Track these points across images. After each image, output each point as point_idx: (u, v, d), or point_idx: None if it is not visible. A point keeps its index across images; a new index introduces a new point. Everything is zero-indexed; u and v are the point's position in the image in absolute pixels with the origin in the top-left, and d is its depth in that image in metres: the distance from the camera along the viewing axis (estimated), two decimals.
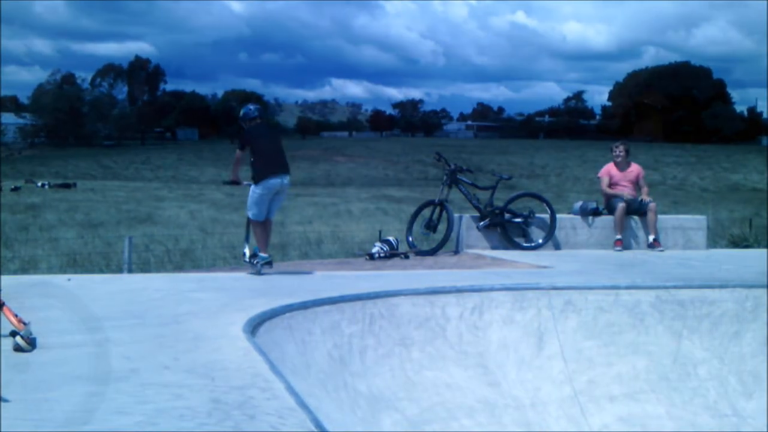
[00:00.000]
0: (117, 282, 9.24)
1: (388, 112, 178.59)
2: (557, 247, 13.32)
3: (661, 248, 13.39)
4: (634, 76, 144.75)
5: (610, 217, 13.74)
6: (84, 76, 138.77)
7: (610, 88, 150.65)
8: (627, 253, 13.00)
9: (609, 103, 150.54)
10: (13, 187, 48.11)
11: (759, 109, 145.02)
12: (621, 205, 13.35)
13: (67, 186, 54.42)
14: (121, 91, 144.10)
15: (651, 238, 13.49)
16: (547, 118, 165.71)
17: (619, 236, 13.43)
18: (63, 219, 28.10)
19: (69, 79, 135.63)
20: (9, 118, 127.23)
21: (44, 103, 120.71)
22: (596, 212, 13.73)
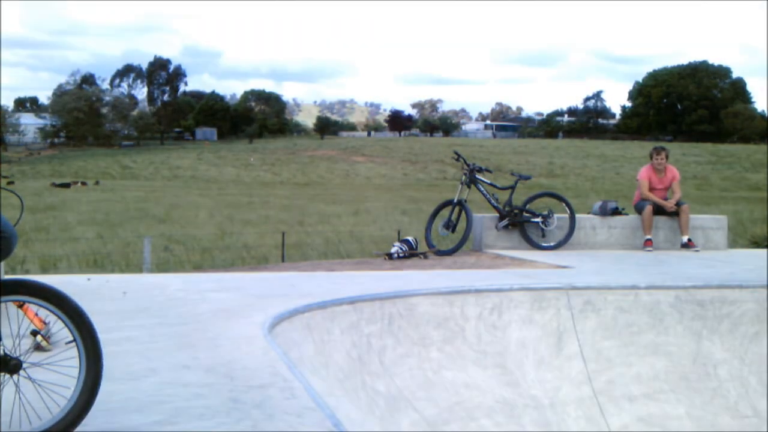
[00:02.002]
0: (136, 282, 9.26)
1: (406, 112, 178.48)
2: (576, 247, 13.25)
3: (697, 248, 13.32)
4: (654, 76, 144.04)
5: (629, 217, 13.68)
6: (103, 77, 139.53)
7: (630, 87, 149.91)
8: (650, 254, 12.91)
9: (629, 104, 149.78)
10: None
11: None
12: (648, 207, 13.28)
13: (66, 186, 54.73)
14: (141, 92, 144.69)
15: (685, 238, 13.42)
16: (566, 118, 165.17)
17: (649, 236, 13.35)
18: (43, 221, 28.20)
19: (89, 79, 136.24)
20: (29, 118, 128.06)
21: (64, 104, 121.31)
22: (617, 212, 13.67)
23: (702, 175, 76.93)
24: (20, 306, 5.87)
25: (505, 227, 13.09)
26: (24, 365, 3.87)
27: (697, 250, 13.25)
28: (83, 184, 59.34)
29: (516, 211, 13.12)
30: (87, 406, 3.87)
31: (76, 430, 3.87)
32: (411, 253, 12.65)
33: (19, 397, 3.90)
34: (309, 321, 7.11)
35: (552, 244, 13.04)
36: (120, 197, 42.08)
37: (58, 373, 3.94)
